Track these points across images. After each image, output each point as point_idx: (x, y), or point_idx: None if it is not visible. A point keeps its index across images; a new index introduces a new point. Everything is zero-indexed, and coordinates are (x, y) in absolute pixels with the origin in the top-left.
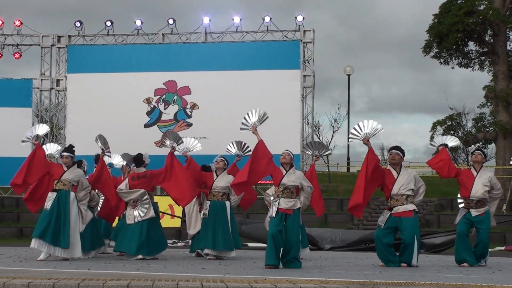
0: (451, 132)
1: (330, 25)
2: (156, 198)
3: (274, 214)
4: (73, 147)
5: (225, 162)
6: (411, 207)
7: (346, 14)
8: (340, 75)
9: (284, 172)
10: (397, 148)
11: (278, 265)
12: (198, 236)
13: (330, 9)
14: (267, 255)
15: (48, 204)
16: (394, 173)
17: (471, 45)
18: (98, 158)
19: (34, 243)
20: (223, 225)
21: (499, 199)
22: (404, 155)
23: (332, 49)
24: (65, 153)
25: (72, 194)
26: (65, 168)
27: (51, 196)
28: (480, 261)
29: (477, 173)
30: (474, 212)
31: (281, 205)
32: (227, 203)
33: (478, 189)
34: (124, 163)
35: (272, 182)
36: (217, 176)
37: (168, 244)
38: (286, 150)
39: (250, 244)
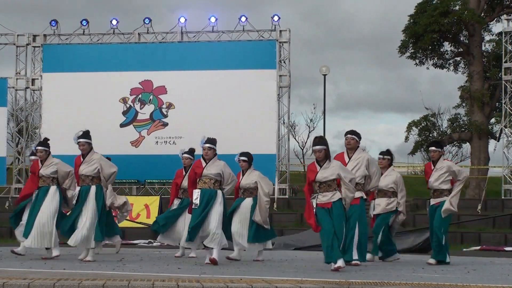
0: (426, 132)
1: (295, 22)
2: (132, 199)
3: None
4: (48, 140)
5: (214, 149)
6: (358, 194)
7: (311, 11)
8: (308, 74)
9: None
10: (352, 132)
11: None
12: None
13: (294, 6)
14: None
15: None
16: (346, 158)
17: (447, 46)
18: None
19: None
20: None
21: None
22: (360, 139)
23: (299, 47)
24: (39, 147)
25: (52, 188)
26: (40, 164)
27: (34, 193)
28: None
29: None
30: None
31: None
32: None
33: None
34: None
35: None
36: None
37: (144, 244)
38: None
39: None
